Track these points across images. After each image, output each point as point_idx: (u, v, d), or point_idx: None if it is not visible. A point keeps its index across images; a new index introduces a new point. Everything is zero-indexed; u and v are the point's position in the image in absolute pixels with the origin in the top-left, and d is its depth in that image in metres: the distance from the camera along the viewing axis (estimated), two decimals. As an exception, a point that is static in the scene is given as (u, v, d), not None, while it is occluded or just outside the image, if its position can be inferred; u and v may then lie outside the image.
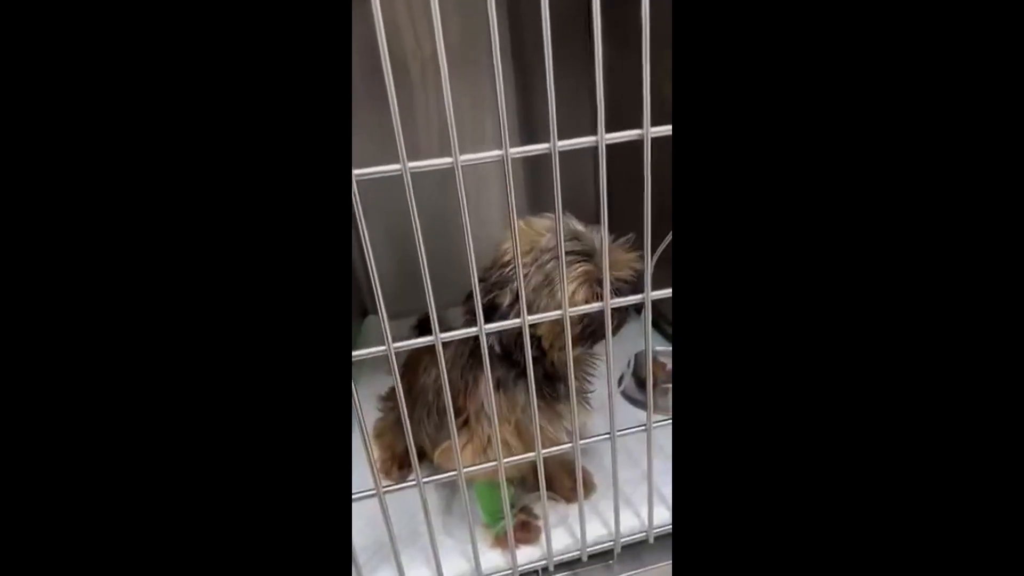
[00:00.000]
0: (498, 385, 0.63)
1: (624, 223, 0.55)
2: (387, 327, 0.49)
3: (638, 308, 1.17)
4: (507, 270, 0.59)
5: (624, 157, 0.46)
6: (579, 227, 0.59)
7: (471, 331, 0.50)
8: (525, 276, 0.59)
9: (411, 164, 0.43)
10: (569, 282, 0.58)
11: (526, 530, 0.67)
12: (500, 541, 0.66)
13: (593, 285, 0.57)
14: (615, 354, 0.56)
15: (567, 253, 0.58)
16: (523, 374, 0.60)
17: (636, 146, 0.46)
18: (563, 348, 0.53)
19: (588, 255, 0.57)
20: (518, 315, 0.51)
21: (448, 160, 0.43)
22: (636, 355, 0.95)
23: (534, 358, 0.61)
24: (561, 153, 0.45)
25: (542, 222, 0.61)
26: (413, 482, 0.55)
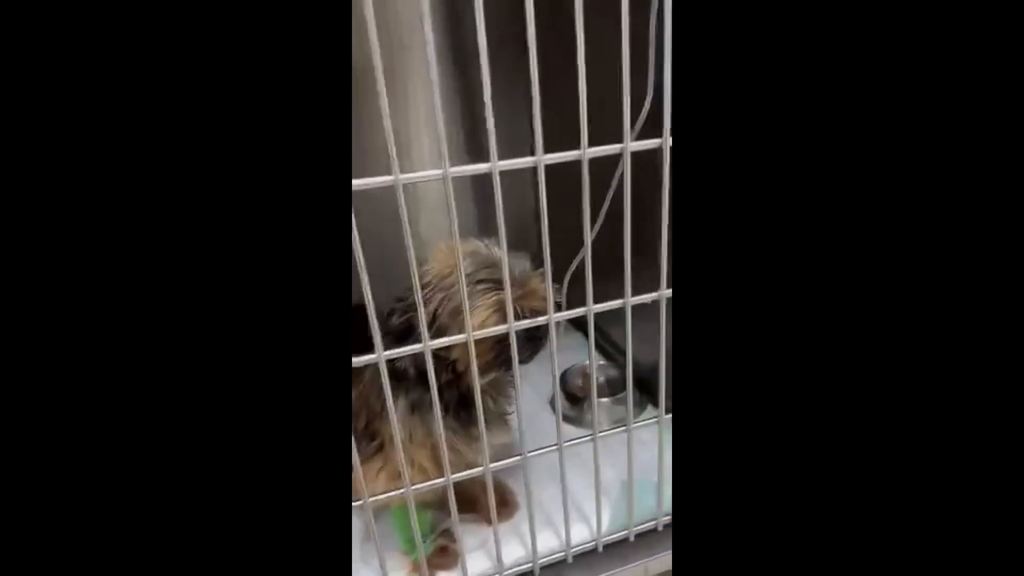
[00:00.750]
0: (413, 408, 0.62)
1: (557, 246, 0.55)
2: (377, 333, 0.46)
3: (576, 324, 1.16)
4: (424, 292, 0.58)
5: (561, 178, 0.46)
6: (499, 254, 0.58)
7: (371, 358, 0.49)
8: (443, 300, 0.58)
9: (403, 176, 0.42)
10: (484, 309, 0.57)
11: (444, 554, 0.66)
12: (417, 568, 0.64)
13: (504, 315, 0.57)
14: (546, 366, 0.55)
15: (484, 280, 0.58)
16: (439, 396, 0.59)
17: (574, 169, 0.46)
18: (479, 371, 0.52)
19: (501, 284, 0.57)
20: (431, 338, 0.50)
21: (389, 179, 0.42)
22: (566, 371, 0.95)
23: (448, 381, 0.60)
24: (507, 173, 0.44)
25: (466, 246, 0.60)
26: (316, 514, 0.53)
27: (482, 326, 0.54)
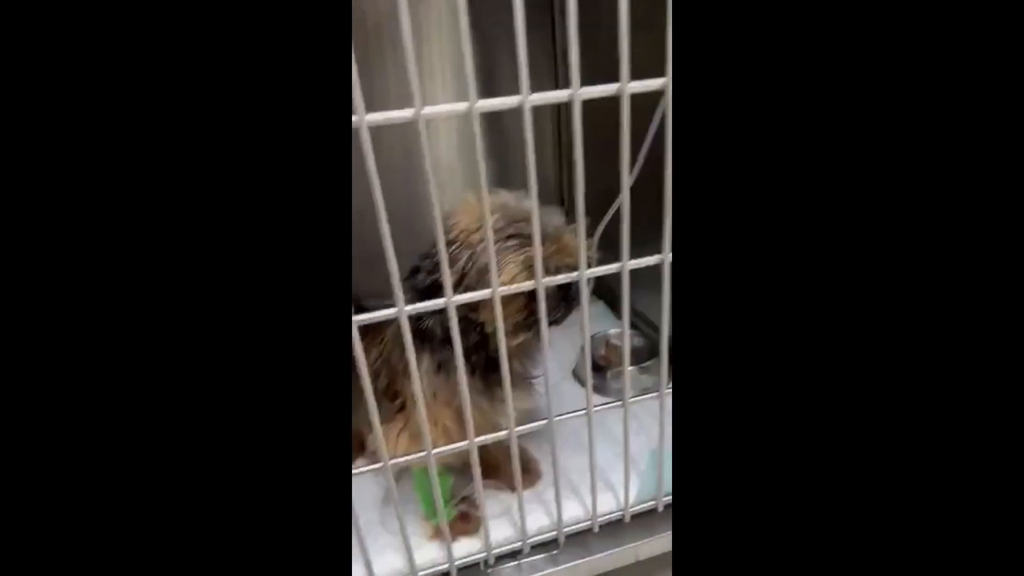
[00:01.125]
0: (440, 367, 0.59)
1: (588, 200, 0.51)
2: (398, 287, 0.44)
3: (598, 293, 1.13)
4: (452, 248, 0.55)
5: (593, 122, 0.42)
6: (529, 207, 0.55)
7: (391, 312, 0.46)
8: (471, 256, 0.55)
9: (426, 110, 0.38)
10: (513, 267, 0.54)
11: (466, 521, 0.64)
12: (440, 533, 0.63)
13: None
14: (569, 336, 0.52)
15: (515, 236, 0.55)
16: (466, 357, 0.56)
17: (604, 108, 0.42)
18: (506, 333, 0.49)
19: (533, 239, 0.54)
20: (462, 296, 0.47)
21: (408, 112, 0.38)
22: (592, 337, 0.92)
23: (476, 343, 0.58)
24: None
25: (495, 199, 0.56)
26: (335, 475, 0.51)
27: (511, 283, 0.51)
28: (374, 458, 0.60)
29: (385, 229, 0.42)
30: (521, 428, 0.55)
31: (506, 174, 1.03)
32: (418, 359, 0.57)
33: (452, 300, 0.47)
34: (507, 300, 0.53)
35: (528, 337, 0.59)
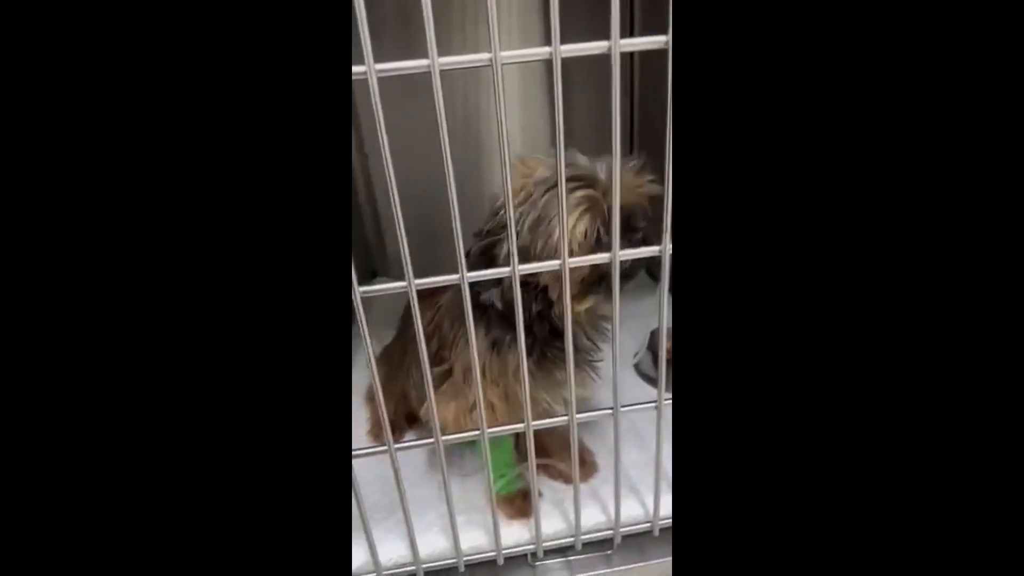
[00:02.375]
0: (493, 344, 0.56)
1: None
2: (408, 261, 0.42)
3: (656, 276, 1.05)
4: (499, 215, 0.52)
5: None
6: (580, 158, 0.51)
7: (453, 278, 0.43)
8: (519, 218, 0.51)
9: (442, 60, 0.35)
10: (568, 213, 0.48)
11: (528, 499, 0.60)
12: (502, 503, 0.60)
13: (596, 215, 0.49)
14: (632, 329, 0.48)
15: (568, 180, 0.49)
16: (526, 330, 0.53)
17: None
18: (572, 297, 0.45)
19: (588, 181, 0.49)
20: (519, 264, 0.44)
21: (486, 56, 0.35)
22: (653, 330, 0.87)
23: (539, 312, 0.54)
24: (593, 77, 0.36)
25: (540, 158, 0.52)
26: (384, 448, 0.49)
27: (572, 232, 0.46)
28: (427, 429, 0.59)
29: (453, 195, 0.39)
30: (582, 415, 0.51)
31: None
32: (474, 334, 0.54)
33: (517, 269, 0.43)
34: (578, 274, 0.49)
35: (595, 304, 0.54)
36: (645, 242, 0.49)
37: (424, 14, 0.33)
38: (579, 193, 0.48)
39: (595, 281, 0.52)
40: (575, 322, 0.46)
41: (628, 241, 0.50)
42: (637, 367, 0.84)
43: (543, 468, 0.63)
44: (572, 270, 0.44)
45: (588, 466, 0.65)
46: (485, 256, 0.53)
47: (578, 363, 0.55)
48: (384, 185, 0.38)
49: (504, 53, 0.35)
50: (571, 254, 0.44)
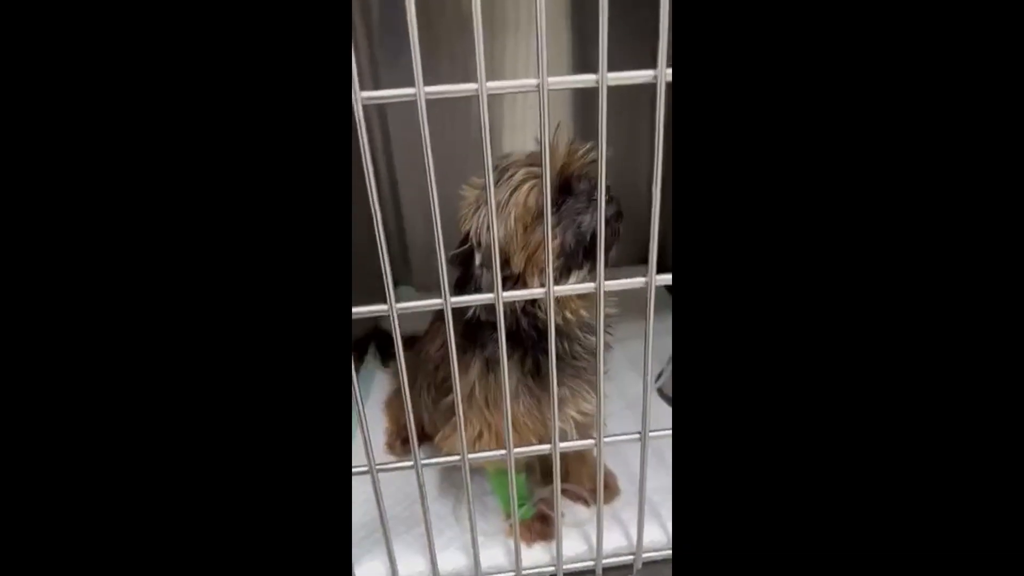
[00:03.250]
0: (488, 365, 0.54)
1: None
2: (391, 288, 0.42)
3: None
4: (468, 243, 0.52)
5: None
6: (517, 153, 0.52)
7: (436, 302, 0.43)
8: (478, 214, 0.51)
9: (428, 89, 0.36)
10: (513, 190, 0.49)
11: (546, 523, 0.60)
12: (520, 528, 0.59)
13: (539, 186, 0.49)
14: (655, 347, 0.47)
15: (508, 168, 0.50)
16: (522, 352, 0.53)
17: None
18: (555, 281, 0.45)
19: (529, 161, 0.50)
20: (489, 280, 0.44)
21: (472, 87, 0.36)
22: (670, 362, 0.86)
23: (523, 308, 0.51)
24: (615, 96, 0.36)
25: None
26: (410, 463, 0.49)
27: (525, 207, 0.48)
28: (435, 447, 0.59)
29: (436, 209, 0.40)
30: (610, 438, 0.50)
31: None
32: (469, 361, 0.54)
33: (500, 296, 0.43)
34: (524, 227, 0.49)
35: (586, 305, 0.53)
36: (614, 201, 0.50)
37: (475, 39, 0.34)
38: (521, 172, 0.50)
39: (570, 255, 0.51)
40: (565, 327, 0.48)
41: (578, 201, 0.51)
42: (660, 390, 0.83)
43: (563, 491, 0.63)
44: (524, 247, 0.48)
45: (611, 489, 0.65)
46: (461, 274, 0.53)
47: (576, 375, 0.55)
48: (409, 199, 0.39)
49: (551, 79, 0.36)
50: (525, 228, 0.49)
